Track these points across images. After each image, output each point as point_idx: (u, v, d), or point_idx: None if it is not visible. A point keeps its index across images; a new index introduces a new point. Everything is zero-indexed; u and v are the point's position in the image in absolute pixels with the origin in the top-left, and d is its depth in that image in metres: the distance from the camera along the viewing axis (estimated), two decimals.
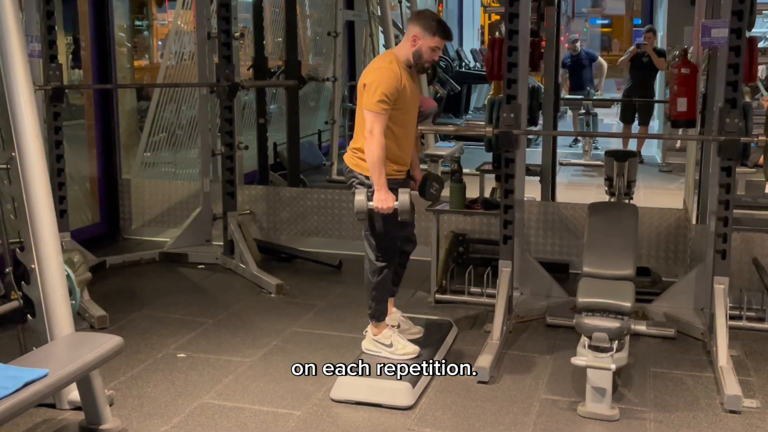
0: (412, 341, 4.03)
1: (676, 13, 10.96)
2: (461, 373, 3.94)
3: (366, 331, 4.04)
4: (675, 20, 10.78)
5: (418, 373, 3.79)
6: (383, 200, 3.66)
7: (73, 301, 3.60)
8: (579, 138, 11.17)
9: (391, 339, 3.96)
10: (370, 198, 3.70)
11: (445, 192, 5.24)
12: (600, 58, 12.60)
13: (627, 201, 4.82)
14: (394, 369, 3.78)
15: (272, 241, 6.22)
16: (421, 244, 5.29)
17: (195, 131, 6.90)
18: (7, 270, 3.43)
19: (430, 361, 3.94)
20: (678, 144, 9.33)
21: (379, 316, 3.97)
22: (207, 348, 4.31)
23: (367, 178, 3.76)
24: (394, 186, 3.74)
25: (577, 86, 12.06)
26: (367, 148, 3.66)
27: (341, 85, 9.34)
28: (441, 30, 3.78)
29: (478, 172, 6.00)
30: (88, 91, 6.49)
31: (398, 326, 4.11)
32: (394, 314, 4.13)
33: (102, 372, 3.34)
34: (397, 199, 3.69)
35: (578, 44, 12.46)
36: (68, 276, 3.55)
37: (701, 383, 3.92)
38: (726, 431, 3.45)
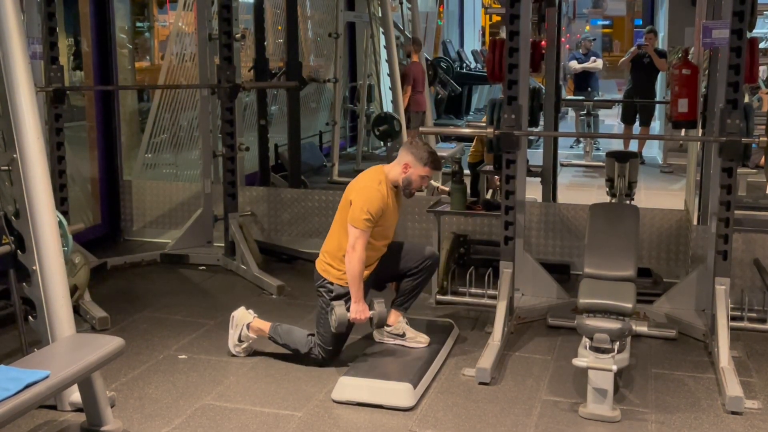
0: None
1: (676, 14, 10.94)
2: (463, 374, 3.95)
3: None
4: (676, 21, 10.77)
5: (419, 374, 3.79)
6: (360, 311, 3.87)
7: (65, 248, 3.59)
8: (580, 139, 11.17)
9: (403, 329, 4.13)
10: (348, 309, 3.88)
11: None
12: (600, 59, 12.60)
13: (628, 202, 4.82)
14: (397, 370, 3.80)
15: (273, 243, 6.22)
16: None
17: (196, 133, 6.90)
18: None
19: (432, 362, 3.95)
20: (680, 144, 9.32)
21: (273, 341, 4.14)
22: (208, 349, 4.31)
23: (331, 284, 3.98)
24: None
25: (583, 87, 12.06)
26: (348, 262, 3.86)
27: (342, 87, 9.35)
28: (432, 161, 4.00)
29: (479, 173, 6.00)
30: (90, 93, 6.50)
31: (403, 335, 4.14)
32: (399, 323, 4.16)
33: (103, 373, 3.34)
34: (371, 309, 3.90)
35: (591, 44, 12.49)
36: (60, 222, 3.55)
37: (702, 384, 3.91)
38: None
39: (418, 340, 4.14)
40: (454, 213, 5.21)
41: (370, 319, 3.94)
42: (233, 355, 4.17)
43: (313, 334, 4.06)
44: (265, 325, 4.15)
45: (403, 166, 3.98)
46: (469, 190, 5.24)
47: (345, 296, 3.93)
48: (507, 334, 4.37)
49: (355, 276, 3.86)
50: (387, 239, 4.09)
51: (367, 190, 3.92)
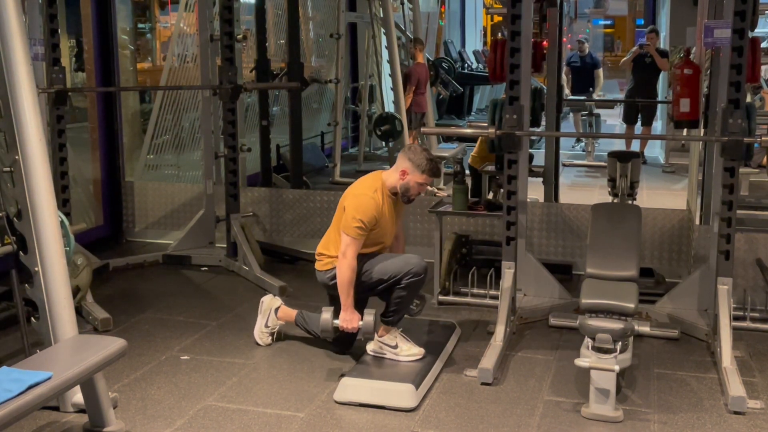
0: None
1: (678, 13, 10.92)
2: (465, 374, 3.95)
3: None
4: (677, 21, 10.74)
5: (421, 375, 3.79)
6: (349, 320, 3.84)
7: (68, 248, 3.59)
8: (581, 139, 11.16)
9: (396, 340, 3.99)
10: (335, 316, 3.86)
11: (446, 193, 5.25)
12: (600, 69, 12.53)
13: (630, 202, 4.82)
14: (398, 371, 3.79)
15: (275, 243, 6.23)
16: (425, 246, 5.32)
17: (198, 134, 6.91)
18: (0, 214, 3.45)
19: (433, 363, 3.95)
20: (682, 144, 9.32)
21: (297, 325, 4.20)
22: (210, 350, 4.31)
23: (324, 273, 4.02)
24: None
25: (581, 88, 12.04)
26: (339, 269, 3.84)
27: (344, 87, 9.35)
28: (430, 169, 3.92)
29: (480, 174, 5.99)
30: (91, 94, 6.51)
31: (396, 346, 3.99)
32: (391, 335, 4.01)
33: (105, 374, 3.35)
34: (362, 319, 3.84)
35: (586, 45, 12.41)
36: (62, 222, 3.55)
37: (705, 384, 3.91)
38: None
39: (412, 353, 3.96)
40: (455, 213, 5.21)
41: (358, 329, 3.86)
42: (257, 343, 4.26)
43: None
44: (292, 312, 4.24)
45: (401, 172, 3.92)
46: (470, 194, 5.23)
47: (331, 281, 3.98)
48: (509, 334, 4.37)
49: (344, 282, 3.82)
50: (382, 245, 4.04)
51: (361, 197, 3.88)
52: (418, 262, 3.94)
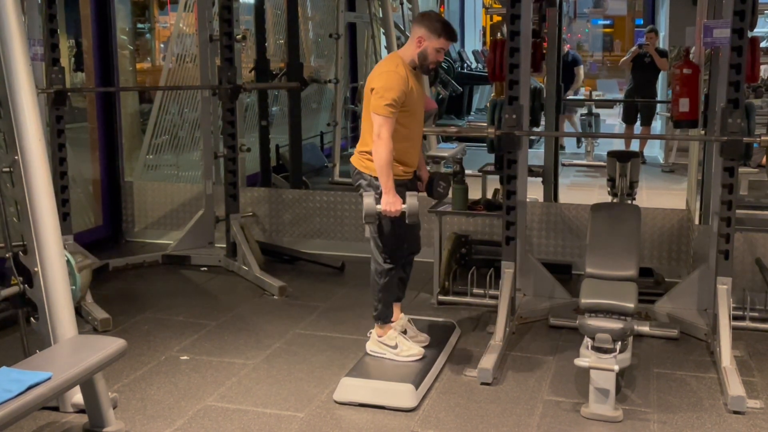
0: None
1: (677, 13, 10.95)
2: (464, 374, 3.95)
3: (370, 333, 4.05)
4: (677, 21, 10.77)
5: (421, 375, 3.79)
6: (391, 203, 3.66)
7: (74, 287, 3.59)
8: (581, 139, 11.16)
9: (396, 340, 3.98)
10: (378, 201, 3.70)
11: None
12: (581, 66, 12.43)
13: (629, 201, 4.81)
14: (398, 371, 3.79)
15: (275, 243, 6.22)
16: (424, 246, 5.30)
17: (197, 134, 6.91)
18: (7, 255, 3.44)
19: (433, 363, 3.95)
20: (678, 144, 9.33)
21: (385, 318, 3.98)
22: (210, 350, 4.31)
23: (376, 179, 3.76)
24: (401, 187, 3.76)
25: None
26: (375, 152, 3.67)
27: (343, 87, 9.35)
28: (446, 31, 3.80)
29: (480, 174, 6.00)
30: (91, 94, 6.50)
31: (405, 332, 4.11)
32: (401, 320, 4.12)
33: (105, 375, 3.35)
34: (404, 202, 3.69)
35: (566, 46, 12.36)
36: (68, 261, 3.55)
37: (705, 384, 3.91)
38: None
39: (412, 353, 3.96)
40: (455, 213, 5.21)
41: (403, 212, 3.69)
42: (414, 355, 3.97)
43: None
44: (375, 328, 4.00)
45: (417, 40, 3.76)
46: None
47: (379, 188, 3.71)
48: (509, 334, 4.37)
49: (383, 165, 3.63)
50: (419, 124, 3.89)
51: (386, 74, 3.70)
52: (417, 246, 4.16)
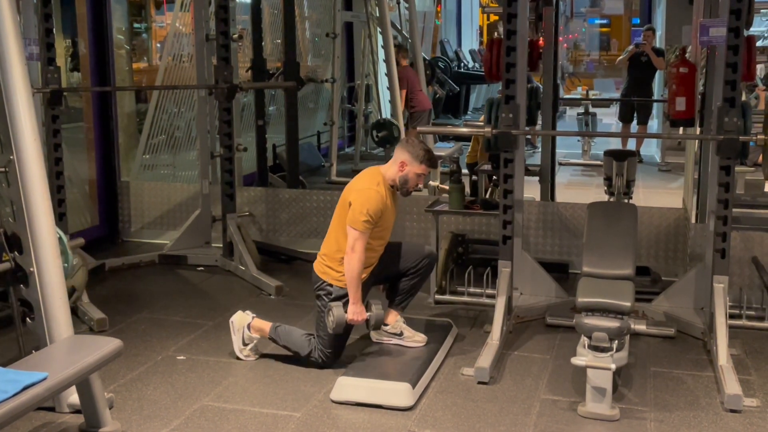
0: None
1: (674, 12, 10.97)
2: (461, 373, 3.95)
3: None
4: (673, 20, 10.79)
5: (418, 374, 3.79)
6: (358, 313, 3.88)
7: (66, 264, 3.58)
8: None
9: (401, 328, 4.13)
10: (345, 311, 3.88)
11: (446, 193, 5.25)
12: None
13: (626, 200, 4.82)
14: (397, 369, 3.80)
15: (272, 243, 6.22)
16: None
17: (194, 133, 6.90)
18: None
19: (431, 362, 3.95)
20: (678, 143, 9.33)
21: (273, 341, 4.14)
22: (207, 350, 4.30)
23: (330, 285, 3.97)
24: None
25: None
26: (347, 263, 3.86)
27: (340, 87, 9.34)
28: (428, 159, 4.00)
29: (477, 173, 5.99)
30: (87, 94, 6.49)
31: (401, 334, 4.14)
32: (397, 323, 4.16)
33: (101, 375, 3.34)
34: (369, 310, 3.92)
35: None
36: (60, 239, 3.54)
37: (701, 382, 3.91)
38: (726, 430, 3.45)
39: (416, 339, 4.14)
40: (452, 212, 5.21)
41: (367, 321, 3.94)
42: (239, 359, 4.13)
43: (312, 335, 4.05)
44: (266, 325, 4.14)
45: (400, 164, 3.98)
46: (468, 191, 5.23)
47: (344, 298, 3.93)
48: (506, 333, 4.37)
49: (354, 277, 3.86)
50: (384, 240, 4.09)
51: (366, 191, 3.92)
52: (429, 247, 4.35)
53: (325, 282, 4.01)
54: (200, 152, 6.25)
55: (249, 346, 4.15)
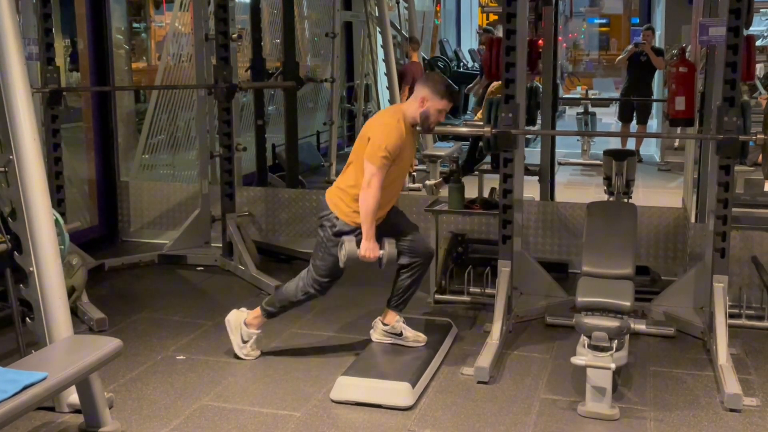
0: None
1: (673, 12, 10.98)
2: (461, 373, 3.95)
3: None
4: (673, 19, 10.80)
5: (418, 374, 3.79)
6: (371, 249, 3.82)
7: (62, 246, 3.58)
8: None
9: (400, 329, 4.12)
10: (357, 246, 3.83)
11: (444, 192, 5.25)
12: None
13: (626, 200, 4.82)
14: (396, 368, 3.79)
15: (271, 243, 6.22)
16: None
17: (193, 133, 6.90)
18: None
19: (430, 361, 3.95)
20: (677, 143, 9.33)
21: (267, 315, 4.12)
22: (206, 350, 4.30)
23: (337, 218, 3.90)
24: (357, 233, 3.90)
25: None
26: (363, 199, 3.80)
27: (339, 86, 9.34)
28: (449, 94, 3.95)
29: (476, 172, 5.99)
30: (86, 94, 6.49)
31: (401, 334, 4.14)
32: (397, 323, 4.14)
33: (101, 374, 3.33)
34: (382, 248, 3.85)
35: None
36: (56, 221, 3.54)
37: (701, 382, 3.92)
38: (726, 430, 3.45)
39: (416, 339, 4.14)
40: (451, 212, 5.21)
41: (380, 259, 3.84)
42: (240, 358, 4.12)
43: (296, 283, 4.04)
44: (256, 311, 4.13)
45: (420, 100, 3.89)
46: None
47: (348, 234, 3.87)
48: (505, 332, 4.37)
49: (369, 213, 3.77)
50: (401, 179, 4.04)
51: (386, 127, 3.84)
52: (429, 246, 4.37)
53: (332, 213, 3.92)
54: (200, 152, 6.25)
55: (248, 343, 4.13)
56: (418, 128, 4.01)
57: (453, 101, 4.01)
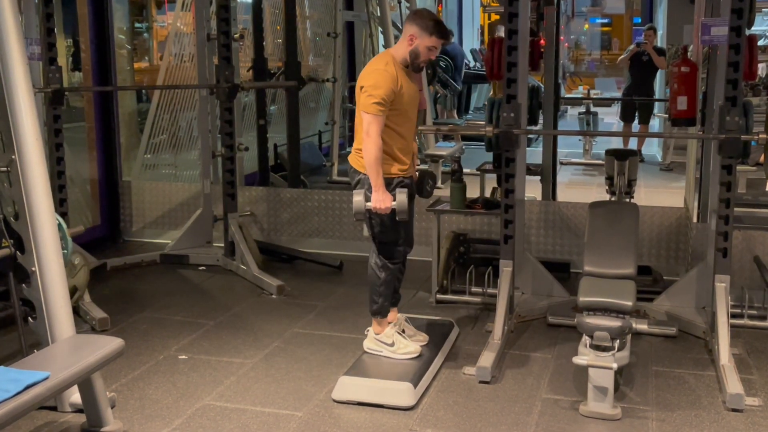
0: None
1: (675, 11, 10.95)
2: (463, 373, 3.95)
3: (368, 331, 4.06)
4: (675, 19, 10.78)
5: (419, 374, 3.79)
6: (381, 200, 3.68)
7: (65, 250, 3.58)
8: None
9: (393, 338, 3.99)
10: (368, 198, 3.72)
11: (446, 192, 5.26)
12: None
13: (628, 200, 4.82)
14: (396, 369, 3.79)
15: (273, 243, 6.22)
16: (422, 245, 5.32)
17: (195, 133, 6.90)
18: None
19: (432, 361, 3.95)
20: (675, 142, 9.33)
21: (384, 312, 3.99)
22: (208, 349, 4.30)
23: (366, 175, 3.76)
24: (403, 186, 3.77)
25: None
26: (364, 149, 3.69)
27: (341, 86, 9.34)
28: (438, 30, 3.79)
29: (478, 172, 6.00)
30: (88, 94, 6.50)
31: (403, 332, 4.11)
32: (397, 320, 4.12)
33: (103, 374, 3.34)
34: (394, 199, 3.71)
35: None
36: (59, 225, 3.54)
37: (703, 382, 3.91)
38: (728, 430, 3.45)
39: (417, 338, 4.11)
40: (453, 212, 5.21)
41: (393, 209, 3.72)
42: (417, 349, 3.97)
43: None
44: (373, 322, 4.00)
45: (409, 38, 3.75)
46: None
47: (389, 186, 3.74)
48: (507, 332, 4.37)
49: (372, 162, 3.64)
50: (410, 122, 3.87)
51: (375, 73, 3.71)
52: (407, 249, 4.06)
53: (363, 174, 3.79)
54: (202, 152, 6.25)
55: (398, 341, 3.97)
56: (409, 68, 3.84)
57: (443, 37, 3.81)
